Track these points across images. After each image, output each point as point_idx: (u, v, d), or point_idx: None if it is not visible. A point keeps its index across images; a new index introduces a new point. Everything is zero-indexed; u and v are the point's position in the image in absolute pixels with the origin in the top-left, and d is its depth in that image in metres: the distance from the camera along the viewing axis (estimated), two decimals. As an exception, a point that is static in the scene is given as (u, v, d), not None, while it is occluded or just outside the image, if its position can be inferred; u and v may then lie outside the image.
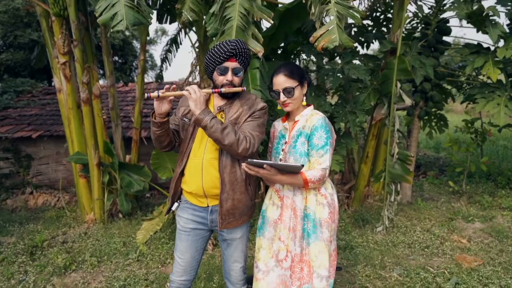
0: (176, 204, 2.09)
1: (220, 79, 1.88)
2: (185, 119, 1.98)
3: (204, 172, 1.91)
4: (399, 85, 4.11)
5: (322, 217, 1.93)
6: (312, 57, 4.78)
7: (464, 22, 4.61)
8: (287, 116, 2.10)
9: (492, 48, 4.31)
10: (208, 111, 1.77)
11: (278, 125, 2.17)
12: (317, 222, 1.92)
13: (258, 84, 2.97)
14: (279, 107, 2.05)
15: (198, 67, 4.47)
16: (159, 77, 7.52)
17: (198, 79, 4.62)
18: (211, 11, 3.06)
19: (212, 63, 1.87)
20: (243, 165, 1.74)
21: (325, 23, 2.90)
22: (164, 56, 7.00)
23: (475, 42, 4.49)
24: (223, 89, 1.85)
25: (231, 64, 1.87)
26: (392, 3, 4.93)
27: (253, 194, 2.05)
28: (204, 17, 3.76)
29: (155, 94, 1.72)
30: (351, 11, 2.70)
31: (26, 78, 9.11)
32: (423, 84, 4.84)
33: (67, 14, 4.22)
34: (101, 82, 9.14)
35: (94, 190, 4.70)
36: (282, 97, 1.93)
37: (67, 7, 4.15)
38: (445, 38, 4.93)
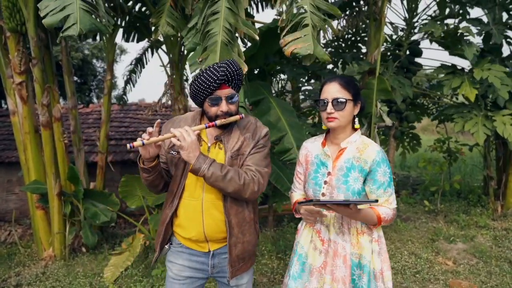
0: (165, 248, 1.75)
1: (213, 110, 1.59)
2: (172, 152, 1.68)
3: (205, 216, 1.63)
4: (379, 105, 4.08)
5: (377, 268, 1.64)
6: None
7: (435, 45, 4.70)
8: (327, 138, 1.77)
9: (467, 70, 4.41)
10: (204, 157, 1.51)
11: (314, 147, 1.80)
12: (371, 275, 1.63)
13: (241, 101, 2.75)
14: (324, 126, 1.73)
15: (171, 88, 4.21)
16: (122, 99, 6.95)
17: (171, 100, 4.35)
18: (190, 25, 2.84)
19: (201, 94, 1.57)
20: (302, 212, 1.61)
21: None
22: (128, 76, 6.62)
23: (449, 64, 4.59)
24: (218, 122, 1.56)
25: (224, 92, 1.57)
26: (367, 25, 4.97)
27: (259, 231, 1.80)
28: (180, 33, 3.53)
29: (138, 143, 1.45)
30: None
31: (-27, 99, 8.36)
32: (399, 104, 4.86)
33: (25, 29, 3.83)
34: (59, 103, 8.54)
35: (54, 223, 4.21)
36: (330, 108, 1.60)
37: (25, 22, 3.77)
38: (416, 59, 5.03)
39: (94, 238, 4.23)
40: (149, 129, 1.48)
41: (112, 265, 3.75)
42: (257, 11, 4.77)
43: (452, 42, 4.09)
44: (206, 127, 1.56)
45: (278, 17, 3.66)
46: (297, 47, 2.42)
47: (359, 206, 1.54)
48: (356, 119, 1.69)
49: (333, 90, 1.62)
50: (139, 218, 4.56)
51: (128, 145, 1.41)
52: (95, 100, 12.32)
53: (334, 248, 1.66)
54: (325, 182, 1.69)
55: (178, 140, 1.47)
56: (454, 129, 4.36)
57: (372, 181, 1.63)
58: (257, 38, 2.79)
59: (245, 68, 2.80)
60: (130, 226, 5.58)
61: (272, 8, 4.80)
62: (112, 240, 4.84)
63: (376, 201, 1.43)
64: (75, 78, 11.38)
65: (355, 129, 1.72)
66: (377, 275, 1.63)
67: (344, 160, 1.67)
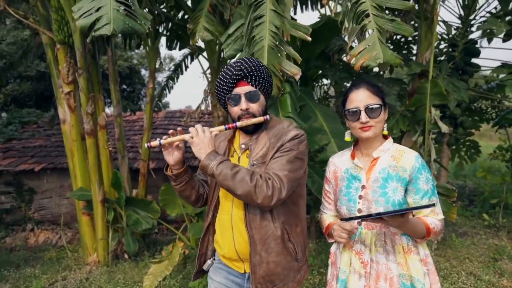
0: (208, 263, 1.69)
1: (234, 110, 1.50)
2: None
3: (235, 231, 1.53)
4: (433, 111, 3.75)
5: None
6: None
7: (495, 43, 4.26)
8: (355, 149, 1.61)
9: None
10: (216, 154, 1.41)
11: (342, 162, 1.63)
12: None
13: (289, 111, 2.60)
14: (347, 138, 1.57)
15: (211, 95, 4.16)
16: (157, 105, 7.41)
17: (210, 107, 4.30)
18: (229, 31, 2.74)
19: (221, 94, 1.52)
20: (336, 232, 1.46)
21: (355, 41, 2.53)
22: (165, 83, 6.82)
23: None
24: (238, 123, 1.46)
25: (243, 89, 1.48)
26: (418, 24, 4.64)
27: (299, 251, 1.56)
28: (219, 39, 3.46)
29: (156, 142, 1.44)
30: (395, 25, 2.30)
31: (32, 109, 8.92)
32: (453, 108, 4.47)
33: (72, 41, 3.97)
34: (108, 111, 8.92)
35: (98, 229, 4.30)
36: (364, 117, 1.45)
37: (72, 34, 3.90)
38: (473, 60, 4.61)
39: (135, 246, 4.26)
40: (171, 131, 1.47)
41: (151, 274, 3.73)
42: (295, 13, 4.61)
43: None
44: (226, 129, 1.49)
45: (321, 18, 3.49)
46: (365, 59, 2.22)
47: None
48: (385, 125, 1.54)
49: (362, 97, 1.47)
50: (180, 225, 4.54)
51: (145, 144, 1.44)
52: (143, 107, 12.75)
53: (376, 269, 1.48)
54: (360, 197, 1.51)
55: (192, 137, 1.43)
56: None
57: (415, 190, 1.47)
58: (309, 38, 2.60)
59: (298, 73, 2.58)
60: (172, 233, 5.60)
61: (313, 10, 4.61)
62: (154, 247, 4.86)
63: (433, 205, 1.29)
64: (124, 87, 11.82)
65: (385, 137, 1.57)
66: None
67: (379, 171, 1.50)
